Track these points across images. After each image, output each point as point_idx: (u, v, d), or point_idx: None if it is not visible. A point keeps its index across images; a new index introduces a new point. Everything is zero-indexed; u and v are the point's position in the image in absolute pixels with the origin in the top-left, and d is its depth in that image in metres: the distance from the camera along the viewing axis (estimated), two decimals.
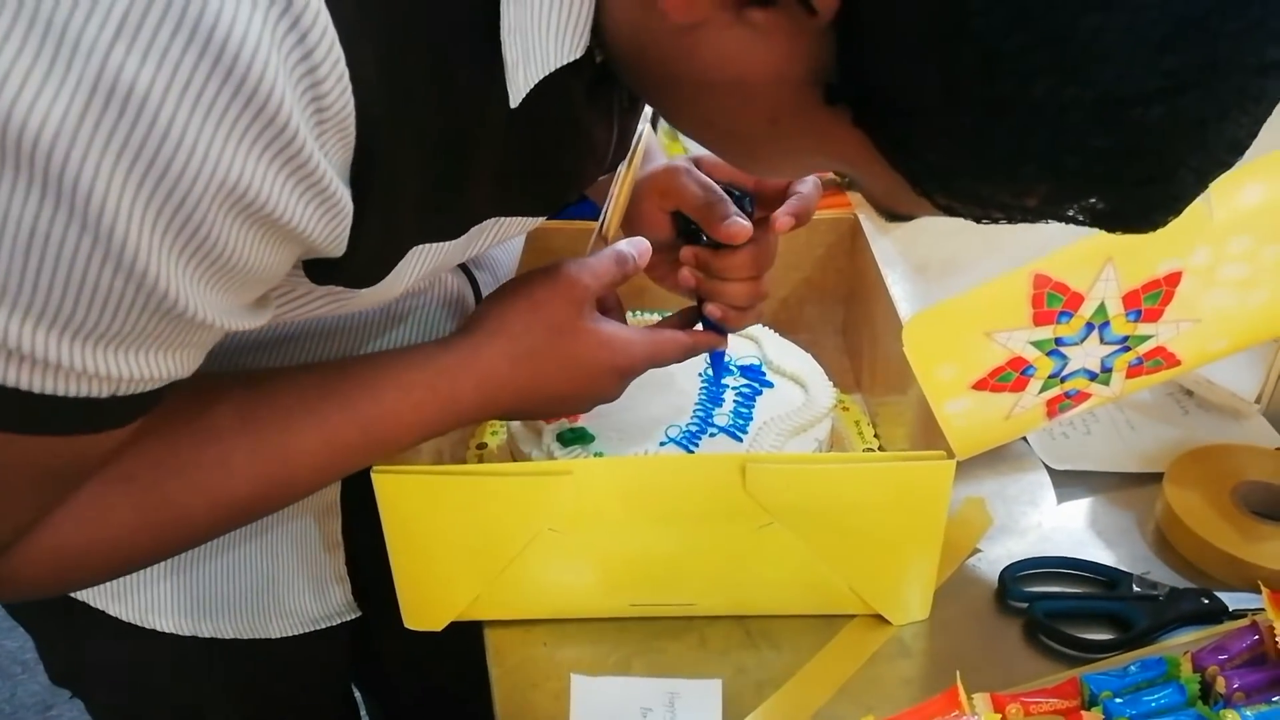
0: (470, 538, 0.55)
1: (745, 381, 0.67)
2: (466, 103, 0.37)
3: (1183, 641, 0.55)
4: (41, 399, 0.32)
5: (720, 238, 0.53)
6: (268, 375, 0.45)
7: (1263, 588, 0.50)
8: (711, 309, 0.56)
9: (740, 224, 0.52)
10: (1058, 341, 0.49)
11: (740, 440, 0.62)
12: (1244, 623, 0.51)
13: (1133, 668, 0.50)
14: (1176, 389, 0.73)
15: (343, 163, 0.33)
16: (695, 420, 0.64)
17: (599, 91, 0.42)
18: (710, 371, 0.65)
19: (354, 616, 0.63)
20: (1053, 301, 0.47)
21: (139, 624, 0.57)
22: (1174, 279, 0.47)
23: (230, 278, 0.33)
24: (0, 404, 0.32)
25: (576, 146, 0.44)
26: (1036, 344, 0.48)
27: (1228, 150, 0.31)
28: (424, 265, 0.42)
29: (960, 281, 0.61)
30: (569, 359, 0.49)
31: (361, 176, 0.34)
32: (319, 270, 0.38)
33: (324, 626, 0.62)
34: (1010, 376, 0.49)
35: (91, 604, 0.57)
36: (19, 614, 0.66)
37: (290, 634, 0.61)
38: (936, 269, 0.67)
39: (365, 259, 0.38)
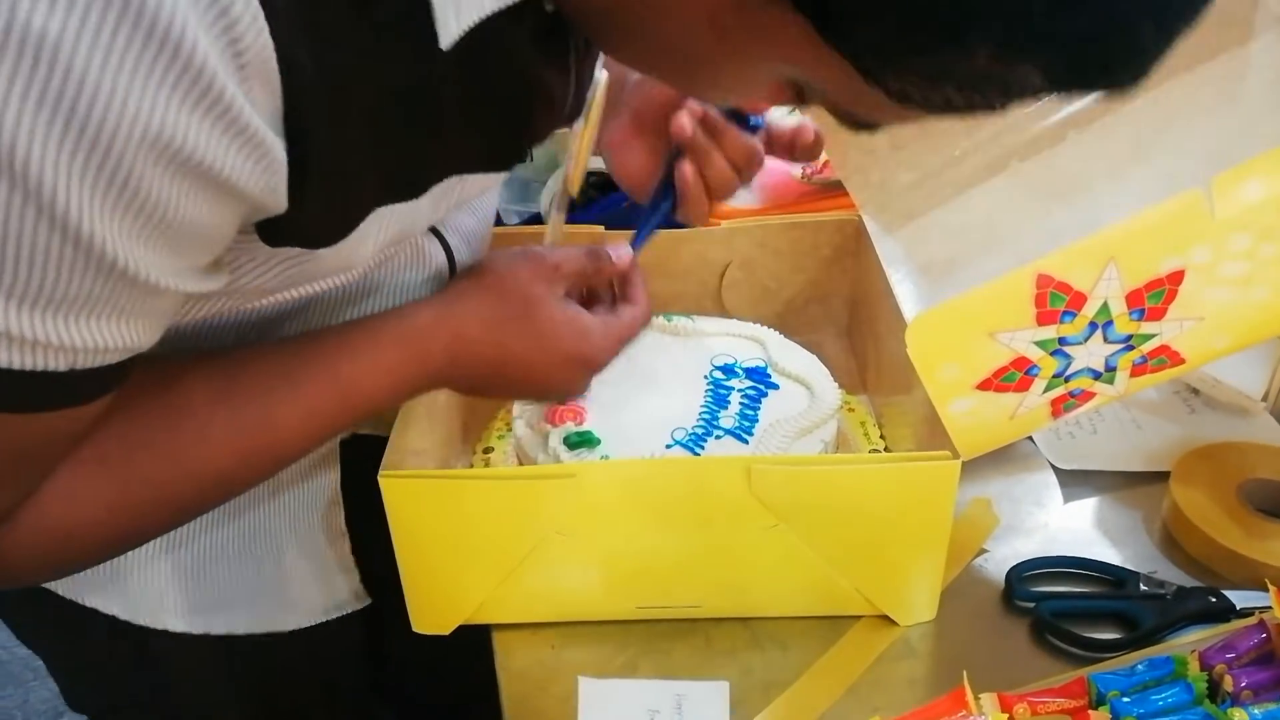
0: (477, 542, 0.55)
1: (751, 384, 0.67)
2: (400, 52, 0.36)
3: (1190, 640, 0.54)
4: (3, 375, 0.32)
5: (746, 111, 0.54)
6: (240, 350, 0.46)
7: (1270, 586, 0.50)
8: (687, 169, 0.55)
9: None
10: (1061, 341, 0.49)
11: (746, 442, 0.62)
12: (1251, 621, 0.51)
13: (1140, 667, 0.50)
14: (1183, 388, 0.73)
15: (272, 111, 0.32)
16: (701, 423, 0.64)
17: (553, 41, 0.42)
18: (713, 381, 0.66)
19: (364, 605, 0.64)
20: (1056, 301, 0.47)
21: (151, 625, 0.58)
22: (1176, 277, 0.47)
23: (170, 235, 0.33)
24: None
25: (529, 98, 0.44)
26: (1040, 344, 0.49)
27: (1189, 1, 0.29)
28: (389, 227, 0.42)
29: (963, 281, 0.61)
30: (536, 332, 0.50)
31: (297, 127, 0.33)
32: (272, 231, 0.38)
33: (335, 617, 0.63)
34: (1014, 376, 0.49)
35: (101, 610, 0.57)
36: (30, 639, 0.65)
37: (303, 626, 0.61)
38: (940, 269, 0.68)
39: (318, 216, 0.38)
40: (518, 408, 0.66)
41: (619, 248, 0.55)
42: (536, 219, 0.90)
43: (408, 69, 0.37)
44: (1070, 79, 0.31)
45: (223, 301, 0.45)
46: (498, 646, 0.58)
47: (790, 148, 0.57)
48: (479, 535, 0.55)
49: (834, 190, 0.81)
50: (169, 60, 0.29)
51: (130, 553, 0.53)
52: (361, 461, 0.50)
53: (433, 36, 0.37)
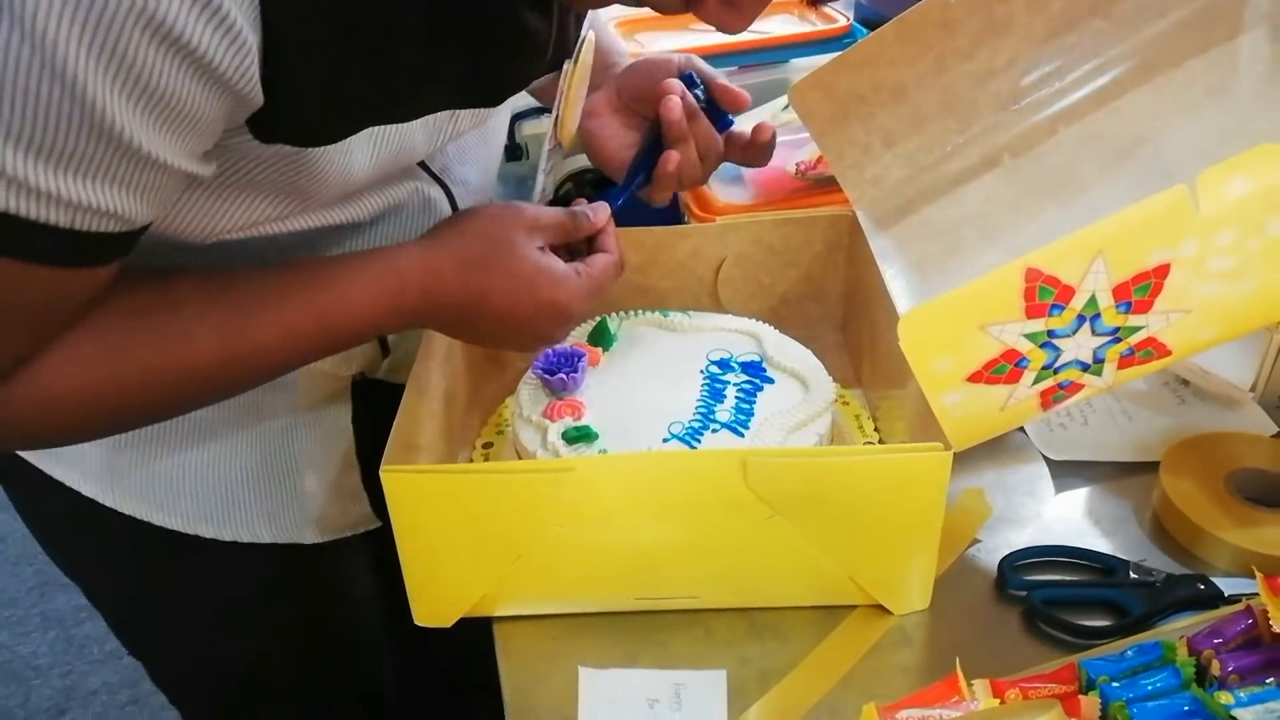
0: (479, 535, 0.56)
1: (746, 378, 0.68)
2: None
3: (1179, 627, 0.55)
4: (6, 219, 0.36)
5: (722, 100, 0.61)
6: (233, 268, 0.49)
7: (1257, 573, 0.51)
8: (673, 156, 0.61)
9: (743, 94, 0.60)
10: (1050, 334, 0.49)
11: (742, 436, 0.63)
12: (1239, 607, 0.52)
13: (1129, 652, 0.51)
14: (1173, 379, 0.74)
15: (248, 4, 0.37)
16: (697, 417, 0.65)
17: None
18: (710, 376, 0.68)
19: (376, 526, 0.68)
20: (1044, 294, 0.48)
21: (183, 531, 0.62)
22: (1163, 271, 0.48)
23: (161, 110, 0.37)
24: None
25: (508, 30, 0.47)
26: (1029, 336, 0.49)
27: None
28: (382, 149, 0.46)
29: (957, 277, 0.62)
30: (511, 276, 0.53)
31: (268, 21, 0.37)
32: (261, 126, 0.41)
33: (349, 535, 0.67)
34: (1005, 369, 0.50)
35: (140, 517, 0.61)
36: (62, 549, 0.68)
37: (320, 540, 0.66)
38: (933, 265, 0.68)
39: (298, 114, 0.41)
40: (517, 404, 0.67)
41: (597, 206, 0.58)
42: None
43: None
44: None
45: (241, 231, 0.49)
46: (499, 638, 0.59)
47: (745, 149, 0.64)
48: (480, 529, 0.56)
49: (827, 186, 0.82)
50: None
51: (168, 467, 0.59)
52: (373, 400, 0.55)
53: None
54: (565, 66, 0.55)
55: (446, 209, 0.61)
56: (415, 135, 0.47)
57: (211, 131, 0.40)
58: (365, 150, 0.45)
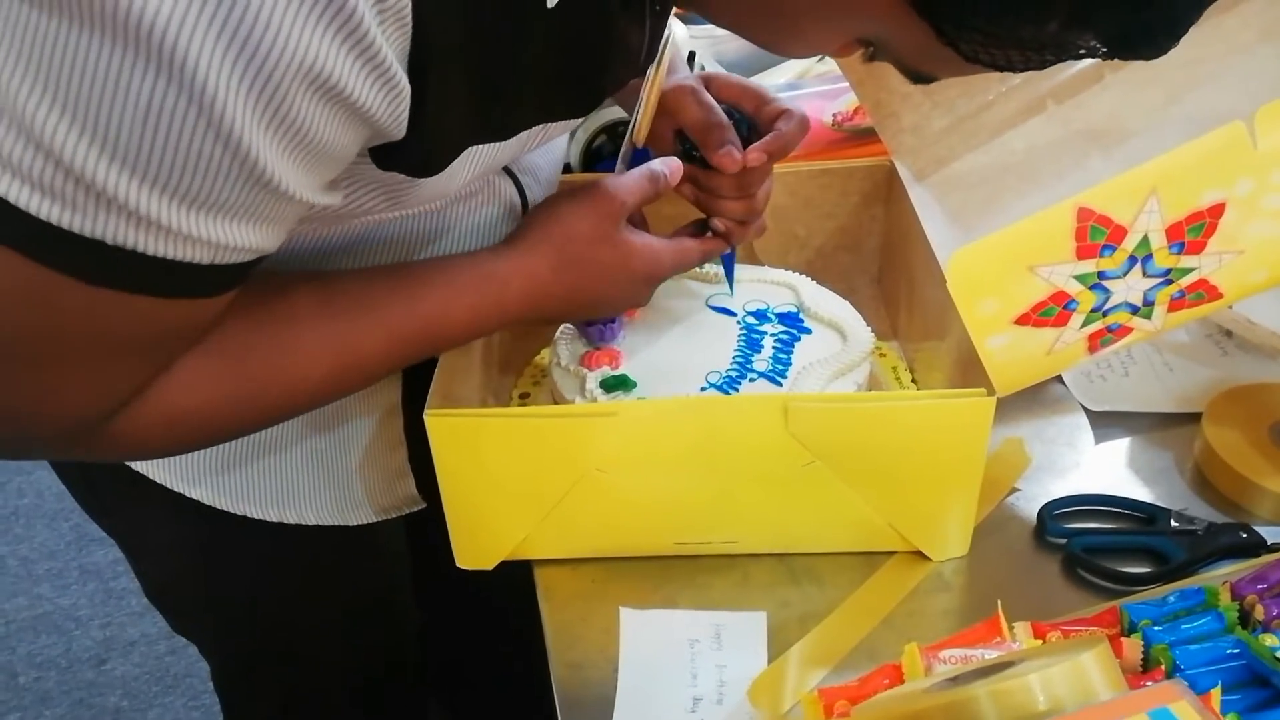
0: (520, 479, 0.56)
1: (783, 328, 0.68)
2: (511, 7, 0.40)
3: (1221, 574, 0.55)
4: (153, 261, 0.36)
5: (713, 163, 0.59)
6: (341, 272, 0.50)
7: None
8: (715, 223, 0.62)
9: (733, 155, 0.58)
10: (1100, 275, 0.49)
11: (780, 385, 0.63)
12: None
13: (1171, 598, 0.51)
14: (1215, 329, 0.73)
15: (402, 50, 0.37)
16: (735, 366, 0.65)
17: None
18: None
19: (419, 508, 0.68)
20: (1096, 235, 0.47)
21: (229, 510, 0.62)
22: (1217, 210, 0.47)
23: (309, 153, 0.37)
24: (119, 266, 0.36)
25: (611, 48, 0.48)
26: (1079, 278, 0.49)
27: None
28: (477, 165, 0.46)
29: (997, 225, 0.61)
30: (606, 267, 0.55)
31: (419, 66, 0.38)
32: (384, 156, 0.42)
33: (394, 516, 0.68)
34: (1053, 311, 0.50)
35: (184, 492, 0.61)
36: (112, 521, 0.69)
37: (364, 522, 0.66)
38: (974, 213, 0.67)
39: (424, 147, 0.42)
40: (554, 354, 0.67)
41: (669, 161, 0.58)
42: (565, 169, 0.91)
43: (517, 24, 0.41)
44: (1119, 46, 0.36)
45: (330, 222, 0.49)
46: (540, 581, 0.59)
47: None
48: (522, 473, 0.56)
49: (865, 138, 0.81)
50: (326, 4, 0.33)
51: (221, 448, 0.60)
52: (424, 378, 0.55)
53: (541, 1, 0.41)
54: (649, 71, 0.55)
55: (514, 195, 0.61)
56: (508, 149, 0.48)
57: (347, 162, 0.41)
58: (463, 168, 0.46)
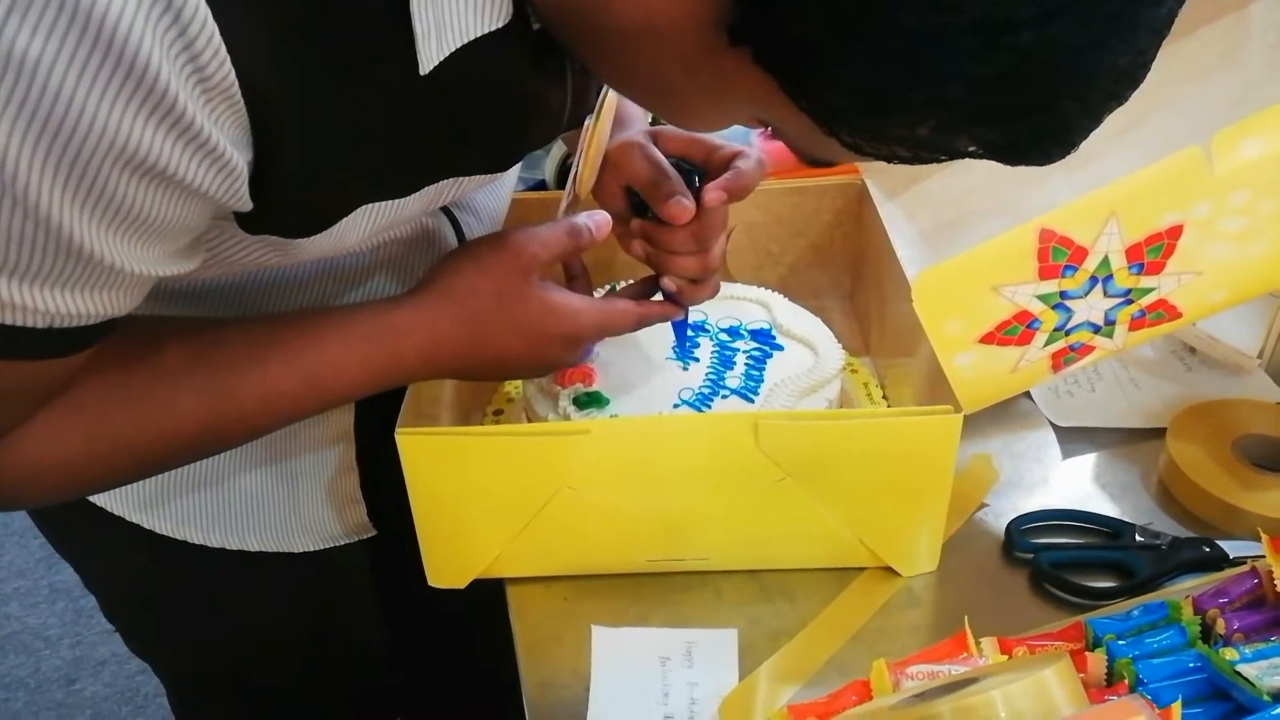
0: (492, 497, 0.56)
1: (756, 345, 0.69)
2: (380, 77, 0.38)
3: (1184, 588, 0.56)
4: None
5: (662, 216, 0.55)
6: (222, 322, 0.48)
7: (1263, 535, 0.51)
8: (665, 282, 0.58)
9: (682, 204, 0.54)
10: (1062, 295, 0.50)
11: (752, 401, 0.63)
12: (1244, 568, 0.52)
13: (1135, 612, 0.52)
14: (1179, 346, 0.74)
15: (239, 127, 0.35)
16: (707, 383, 0.65)
17: (548, 54, 0.43)
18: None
19: (370, 535, 0.67)
20: (1058, 255, 0.48)
21: (171, 535, 0.61)
22: (1175, 232, 0.48)
23: (141, 230, 0.36)
24: None
25: (521, 109, 0.46)
26: (1042, 297, 0.50)
27: (1114, 81, 0.31)
28: (377, 221, 0.44)
29: (966, 245, 0.62)
30: (514, 323, 0.51)
31: (265, 140, 0.36)
32: (248, 221, 0.41)
33: (343, 543, 0.65)
34: (1016, 330, 0.51)
35: (127, 518, 0.60)
36: (72, 551, 0.68)
37: (311, 549, 0.64)
38: (943, 233, 0.69)
39: (294, 213, 0.41)
40: None
41: (595, 215, 0.54)
42: (541, 185, 0.91)
43: (387, 93, 0.39)
44: (1004, 152, 0.34)
45: (234, 267, 0.47)
46: (512, 599, 0.59)
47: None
48: (494, 491, 0.56)
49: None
50: (135, 86, 0.32)
51: (176, 482, 0.58)
52: (376, 402, 0.53)
53: (413, 63, 0.39)
54: (586, 123, 0.53)
55: (451, 238, 0.58)
56: (416, 203, 0.45)
57: (196, 231, 0.39)
58: (359, 224, 0.44)
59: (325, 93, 0.37)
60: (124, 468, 0.46)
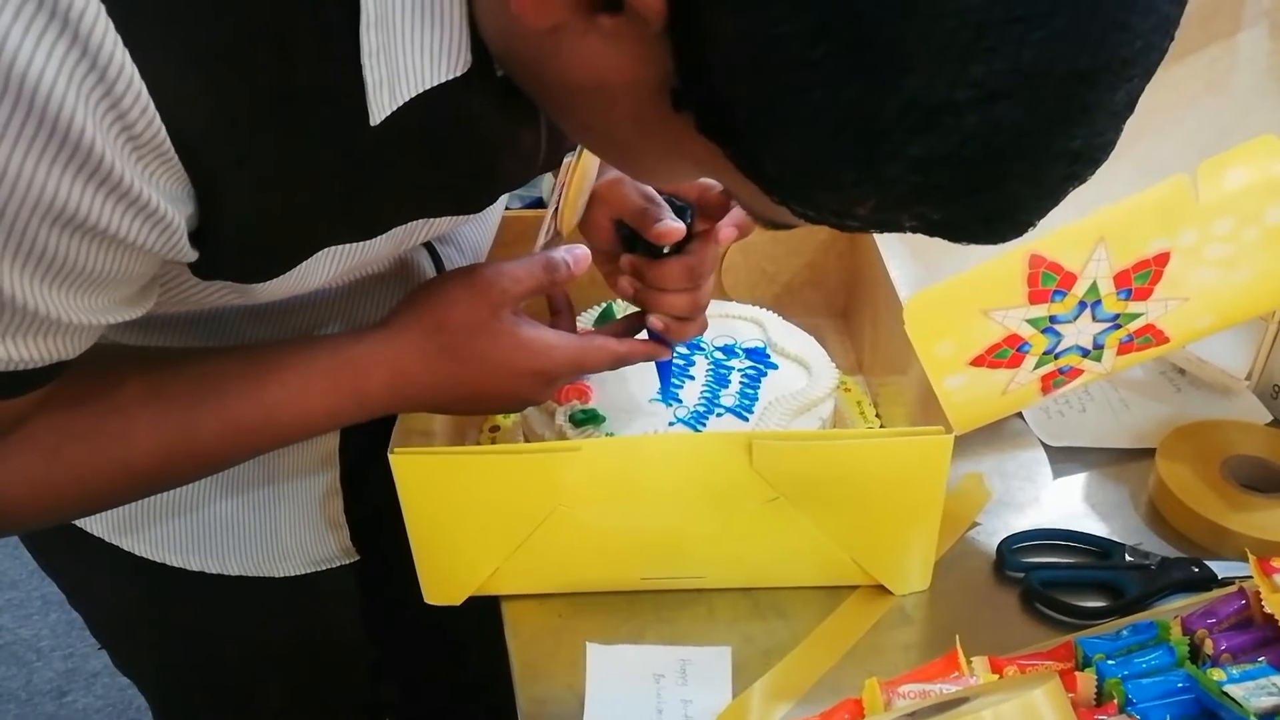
0: (487, 516, 0.57)
1: (750, 363, 0.69)
2: (329, 128, 0.38)
3: (1173, 608, 0.57)
4: None
5: (650, 238, 0.54)
6: (181, 354, 0.47)
7: (1250, 556, 0.52)
8: (653, 320, 0.56)
9: (671, 225, 0.53)
10: (1052, 319, 0.51)
11: (746, 420, 0.64)
12: (1232, 589, 0.53)
13: (1125, 632, 0.52)
14: (1169, 367, 0.75)
15: (176, 182, 0.35)
16: (702, 401, 0.66)
17: (517, 95, 0.42)
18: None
19: (353, 560, 0.66)
20: (1047, 280, 0.49)
21: (150, 558, 0.60)
22: (1163, 259, 0.49)
23: (79, 282, 0.36)
24: None
25: (487, 153, 0.45)
26: (1031, 321, 0.51)
27: (1068, 163, 0.30)
28: (343, 262, 0.44)
29: (958, 266, 0.63)
30: (484, 360, 0.50)
31: (209, 192, 0.36)
32: (200, 267, 0.40)
33: (325, 569, 0.65)
34: (1006, 353, 0.51)
35: (107, 539, 0.60)
36: (50, 561, 0.68)
37: (292, 574, 0.64)
38: (935, 253, 0.69)
39: (249, 258, 0.40)
40: None
41: (574, 249, 0.53)
42: (539, 203, 0.92)
43: (340, 142, 0.38)
44: (947, 230, 0.33)
45: (184, 307, 0.46)
46: (507, 616, 0.60)
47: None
48: (489, 509, 0.56)
49: None
50: (59, 144, 0.32)
51: (160, 507, 0.58)
52: (363, 427, 0.52)
53: (364, 114, 0.38)
54: (566, 160, 0.52)
55: (430, 270, 0.58)
56: (384, 245, 0.44)
57: (142, 280, 0.39)
58: (322, 265, 0.43)
59: (269, 143, 0.36)
60: (78, 501, 0.46)
